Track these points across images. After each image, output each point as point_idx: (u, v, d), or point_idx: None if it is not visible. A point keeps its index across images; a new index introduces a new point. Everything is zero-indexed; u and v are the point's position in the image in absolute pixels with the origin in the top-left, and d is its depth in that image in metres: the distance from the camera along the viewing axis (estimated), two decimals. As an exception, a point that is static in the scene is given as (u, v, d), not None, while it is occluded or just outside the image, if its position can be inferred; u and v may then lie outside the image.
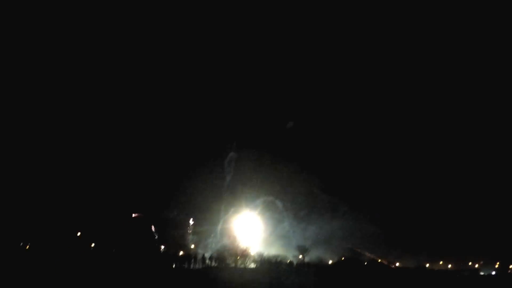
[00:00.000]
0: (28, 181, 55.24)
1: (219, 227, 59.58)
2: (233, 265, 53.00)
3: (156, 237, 57.61)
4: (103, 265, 47.05)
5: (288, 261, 57.01)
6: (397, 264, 64.35)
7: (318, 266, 57.85)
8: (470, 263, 69.09)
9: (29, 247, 51.45)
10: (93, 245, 53.98)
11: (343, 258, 59.85)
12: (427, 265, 66.65)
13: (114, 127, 59.73)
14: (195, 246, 58.22)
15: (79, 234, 54.55)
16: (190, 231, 59.16)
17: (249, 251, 55.44)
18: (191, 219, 60.14)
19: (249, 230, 61.15)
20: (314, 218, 61.29)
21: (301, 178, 61.74)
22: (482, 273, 65.09)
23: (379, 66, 66.85)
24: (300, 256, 59.24)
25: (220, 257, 53.83)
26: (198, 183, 59.40)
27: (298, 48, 66.39)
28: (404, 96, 66.71)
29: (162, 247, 58.01)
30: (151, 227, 57.97)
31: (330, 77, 65.44)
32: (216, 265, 52.96)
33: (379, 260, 62.11)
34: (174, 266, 52.14)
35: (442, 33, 67.00)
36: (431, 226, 65.54)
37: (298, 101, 64.71)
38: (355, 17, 67.44)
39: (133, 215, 58.53)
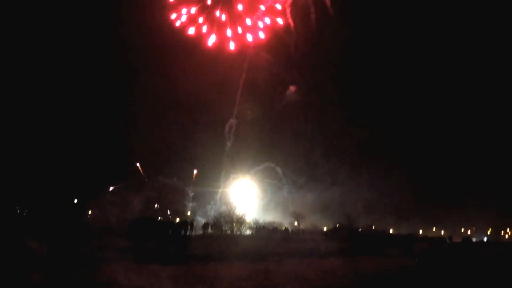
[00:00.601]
0: (23, 147, 54.82)
1: (218, 194, 60.11)
2: (229, 232, 53.85)
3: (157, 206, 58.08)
4: (100, 233, 47.45)
5: (284, 228, 58.11)
6: (391, 230, 65.61)
7: (313, 233, 59.10)
8: (462, 230, 70.59)
9: (26, 214, 52.14)
10: (90, 212, 54.79)
11: (338, 225, 60.74)
12: (421, 231, 68.24)
13: (110, 99, 57.91)
14: (192, 212, 59.02)
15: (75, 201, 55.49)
16: (190, 197, 59.73)
17: (245, 218, 56.08)
18: (194, 174, 60.16)
19: (247, 197, 61.61)
20: (312, 185, 61.89)
21: (301, 145, 61.90)
22: (474, 240, 66.59)
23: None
24: (296, 223, 60.28)
25: (217, 223, 54.61)
26: (198, 149, 59.27)
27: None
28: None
29: (156, 205, 58.47)
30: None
31: (330, 42, 63.40)
32: (212, 232, 53.79)
33: (374, 227, 63.11)
34: (170, 232, 52.69)
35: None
36: (426, 192, 66.74)
37: (299, 65, 63.27)
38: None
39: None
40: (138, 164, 59.81)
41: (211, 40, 54.78)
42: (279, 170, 61.11)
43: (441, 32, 65.25)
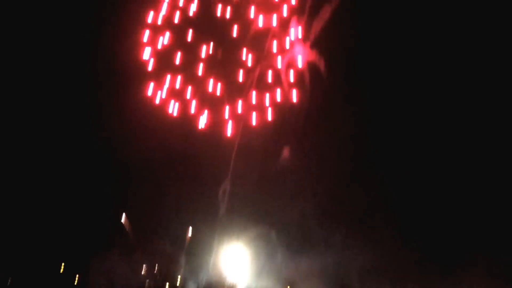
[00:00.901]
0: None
1: (211, 260, 58.40)
2: (220, 302, 52.28)
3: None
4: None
5: (276, 297, 56.46)
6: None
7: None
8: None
9: (11, 283, 50.48)
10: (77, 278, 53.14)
11: (331, 294, 59.21)
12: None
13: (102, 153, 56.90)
14: (183, 280, 57.31)
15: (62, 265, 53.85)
16: (182, 263, 58.09)
17: (237, 286, 54.51)
18: (187, 239, 58.76)
19: (239, 262, 60.02)
20: (306, 251, 60.41)
21: (295, 209, 60.73)
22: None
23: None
24: (288, 291, 58.66)
25: (208, 293, 53.11)
26: (191, 213, 58.07)
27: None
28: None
29: (145, 270, 56.80)
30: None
31: (323, 103, 62.93)
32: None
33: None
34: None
35: None
36: (423, 257, 65.27)
37: (294, 128, 62.87)
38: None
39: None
40: (124, 222, 58.21)
41: (202, 122, 45.54)
42: (273, 235, 59.90)
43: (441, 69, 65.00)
